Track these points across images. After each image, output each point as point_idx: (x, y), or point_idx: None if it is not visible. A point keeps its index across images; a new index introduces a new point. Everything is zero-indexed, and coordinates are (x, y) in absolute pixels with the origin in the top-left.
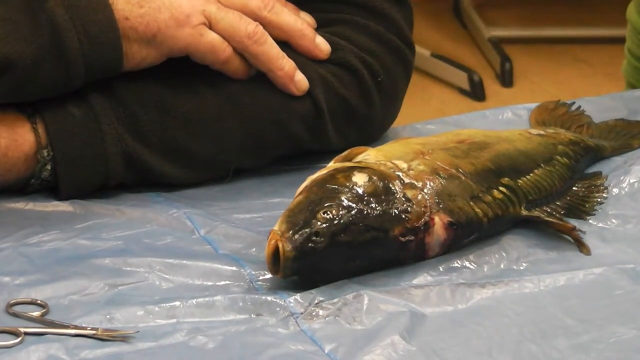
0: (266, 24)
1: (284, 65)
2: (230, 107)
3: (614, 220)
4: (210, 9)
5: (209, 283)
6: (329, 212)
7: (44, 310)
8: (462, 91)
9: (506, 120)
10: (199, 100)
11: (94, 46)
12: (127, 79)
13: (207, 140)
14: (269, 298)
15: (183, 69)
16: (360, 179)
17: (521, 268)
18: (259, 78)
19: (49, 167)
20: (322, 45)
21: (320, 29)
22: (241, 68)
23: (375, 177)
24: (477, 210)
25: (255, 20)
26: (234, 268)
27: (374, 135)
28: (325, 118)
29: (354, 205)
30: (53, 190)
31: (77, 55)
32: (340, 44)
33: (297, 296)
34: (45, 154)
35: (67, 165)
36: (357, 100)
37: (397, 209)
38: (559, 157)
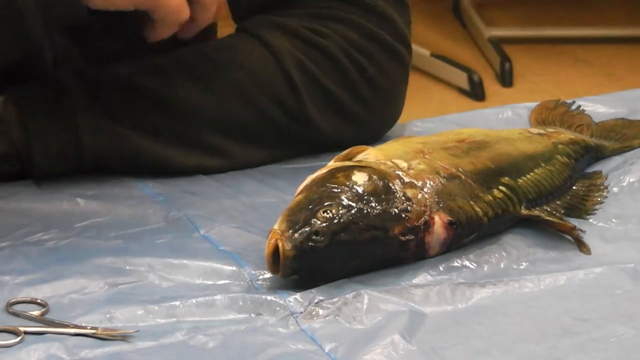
0: None
1: None
2: (200, 88)
3: (614, 220)
4: None
5: (209, 282)
6: (329, 211)
7: (43, 310)
8: (462, 91)
9: (506, 120)
10: (168, 81)
11: None
12: (92, 64)
13: (177, 118)
14: (268, 297)
15: (149, 54)
16: (360, 178)
17: (521, 267)
18: (228, 58)
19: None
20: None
21: (312, 23)
22: (191, 28)
23: (375, 176)
24: (477, 209)
25: None
26: (233, 267)
27: (375, 135)
28: (301, 98)
29: (354, 204)
30: (39, 181)
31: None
32: (327, 34)
33: (297, 295)
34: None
35: (34, 125)
36: (342, 93)
37: (397, 208)
38: (559, 157)
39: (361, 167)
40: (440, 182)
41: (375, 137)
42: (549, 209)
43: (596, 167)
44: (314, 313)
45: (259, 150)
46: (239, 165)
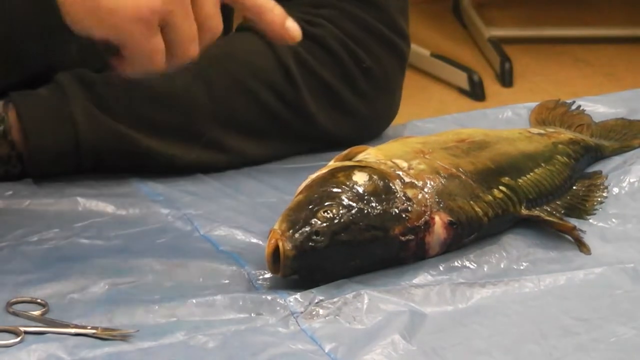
0: None
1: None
2: (198, 82)
3: (614, 220)
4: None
5: (209, 282)
6: (329, 211)
7: (44, 309)
8: (462, 91)
9: (506, 120)
10: (166, 77)
11: None
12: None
13: (175, 112)
14: (269, 297)
15: None
16: (360, 178)
17: (521, 267)
18: (226, 52)
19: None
20: (292, 30)
21: (308, 14)
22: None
23: (375, 176)
24: (477, 209)
25: None
26: (234, 267)
27: (373, 129)
28: (299, 91)
29: (354, 204)
30: (38, 179)
31: None
32: (322, 23)
33: (297, 295)
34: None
35: (32, 124)
36: (339, 85)
37: (397, 208)
38: (559, 157)
39: (361, 167)
40: (441, 182)
41: (373, 131)
42: (549, 209)
43: (596, 167)
44: (314, 313)
45: (258, 144)
46: (239, 160)
